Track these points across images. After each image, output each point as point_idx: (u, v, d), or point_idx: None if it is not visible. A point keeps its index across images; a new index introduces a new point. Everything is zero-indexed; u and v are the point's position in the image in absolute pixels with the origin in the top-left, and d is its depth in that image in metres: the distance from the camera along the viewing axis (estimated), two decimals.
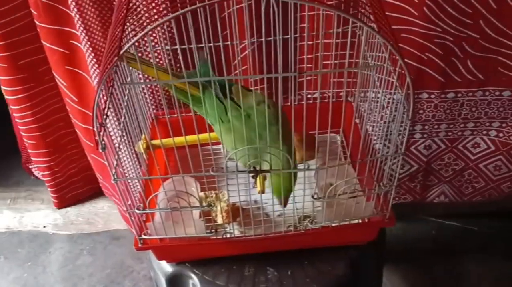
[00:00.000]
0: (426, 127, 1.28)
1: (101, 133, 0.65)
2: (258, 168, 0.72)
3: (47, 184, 1.60)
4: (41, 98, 1.39)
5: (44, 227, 1.62)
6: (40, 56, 1.28)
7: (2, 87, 1.36)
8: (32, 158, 1.56)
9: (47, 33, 1.18)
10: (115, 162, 0.71)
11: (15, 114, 1.42)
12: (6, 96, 1.38)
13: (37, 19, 1.16)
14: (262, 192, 0.85)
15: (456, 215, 1.53)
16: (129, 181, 0.72)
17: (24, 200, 1.70)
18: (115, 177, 0.70)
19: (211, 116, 0.79)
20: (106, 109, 0.68)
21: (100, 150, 0.64)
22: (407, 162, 1.36)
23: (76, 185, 1.64)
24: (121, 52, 0.54)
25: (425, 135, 1.30)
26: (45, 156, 1.51)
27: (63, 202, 1.64)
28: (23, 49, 1.28)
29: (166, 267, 0.90)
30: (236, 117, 0.75)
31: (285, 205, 0.79)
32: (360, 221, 0.82)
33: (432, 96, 1.22)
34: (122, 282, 1.46)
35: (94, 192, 1.67)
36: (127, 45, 0.53)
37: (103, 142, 0.64)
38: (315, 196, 0.76)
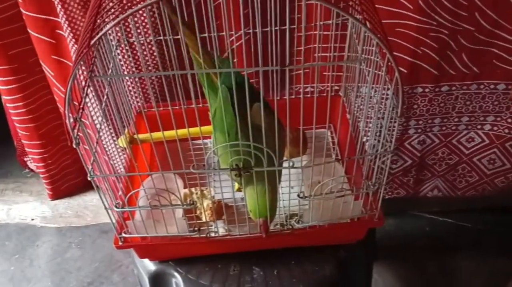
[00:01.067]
0: (420, 122, 1.26)
1: (76, 128, 0.62)
2: (240, 166, 0.69)
3: (41, 176, 1.57)
4: (33, 89, 1.37)
5: (32, 219, 1.60)
6: (29, 47, 1.26)
7: None
8: (27, 149, 1.53)
9: (33, 22, 1.16)
10: (92, 158, 0.68)
11: (8, 105, 1.40)
12: None
13: (22, 7, 1.13)
14: (240, 190, 0.82)
15: (450, 211, 1.52)
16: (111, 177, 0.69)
17: (12, 192, 1.67)
18: (92, 173, 0.67)
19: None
20: (82, 103, 0.65)
21: (74, 146, 0.62)
22: (401, 157, 1.34)
23: (70, 176, 1.62)
24: (92, 42, 0.51)
25: (419, 131, 1.28)
26: (38, 148, 1.49)
27: (57, 194, 1.62)
28: (12, 39, 1.26)
29: (149, 265, 0.88)
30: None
31: (265, 231, 0.73)
32: (348, 221, 0.79)
33: (426, 90, 1.20)
34: (110, 277, 1.44)
35: (89, 183, 1.64)
36: (97, 36, 0.50)
37: (77, 138, 0.61)
38: (301, 195, 0.73)
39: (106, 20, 0.54)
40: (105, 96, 0.76)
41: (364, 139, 0.82)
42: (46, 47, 1.18)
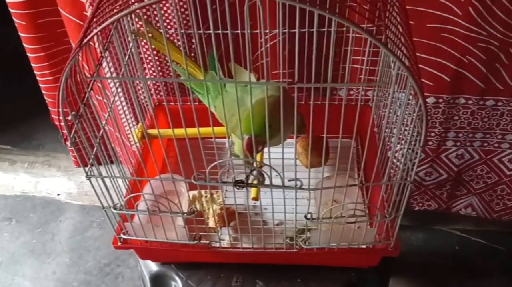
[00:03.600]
0: (460, 135, 1.17)
1: (74, 127, 0.59)
2: (247, 176, 0.64)
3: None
4: (60, 58, 1.36)
5: (58, 195, 1.61)
6: (58, 18, 1.24)
7: (24, 44, 1.33)
8: (53, 116, 1.53)
9: (64, 2, 1.14)
10: (91, 158, 0.65)
11: (36, 72, 1.39)
12: (28, 54, 1.35)
13: None
14: (256, 199, 0.78)
15: (484, 231, 1.42)
16: (106, 178, 0.66)
17: (41, 165, 1.69)
18: (89, 173, 0.64)
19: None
20: (85, 98, 0.62)
21: (70, 145, 0.58)
22: (435, 169, 1.26)
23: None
24: (83, 43, 0.47)
25: (458, 144, 1.20)
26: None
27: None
28: (41, 9, 1.24)
29: (151, 265, 0.86)
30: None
31: (249, 151, 0.65)
32: (360, 246, 0.73)
33: (470, 102, 1.11)
34: (127, 260, 1.44)
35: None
36: (90, 35, 0.46)
37: (74, 137, 0.58)
38: (309, 216, 0.68)
39: (106, 15, 0.50)
40: (115, 90, 0.72)
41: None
42: (75, 28, 1.16)
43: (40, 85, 1.42)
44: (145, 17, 0.95)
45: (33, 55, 1.33)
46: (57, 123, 1.65)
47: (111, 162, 0.68)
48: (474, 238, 1.43)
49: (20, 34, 1.28)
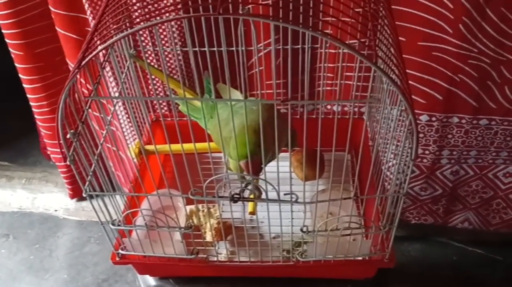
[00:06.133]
0: (454, 153, 1.18)
1: (73, 145, 0.60)
2: (241, 191, 0.65)
3: (62, 175, 1.56)
4: (58, 88, 1.36)
5: (56, 210, 1.61)
6: (56, 45, 1.25)
7: (20, 75, 1.33)
8: (48, 148, 1.54)
9: (62, 20, 1.14)
10: (89, 175, 0.66)
11: (32, 103, 1.39)
12: (24, 85, 1.36)
13: (52, 5, 1.13)
14: (253, 213, 0.78)
15: (481, 242, 1.43)
16: (105, 195, 0.67)
17: (38, 181, 1.69)
18: (88, 190, 0.65)
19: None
20: (83, 117, 0.63)
21: (68, 163, 0.59)
22: (431, 185, 1.27)
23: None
24: (82, 64, 0.48)
25: (453, 161, 1.20)
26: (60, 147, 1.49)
27: (78, 193, 1.62)
28: (39, 37, 1.25)
29: (149, 280, 0.86)
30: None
31: (255, 172, 0.67)
32: (356, 259, 0.74)
33: (463, 121, 1.11)
34: (125, 275, 1.44)
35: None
36: (89, 57, 0.47)
37: (72, 155, 0.59)
38: (304, 229, 0.69)
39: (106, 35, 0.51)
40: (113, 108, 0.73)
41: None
42: (74, 45, 1.17)
43: (36, 116, 1.41)
44: (143, 34, 0.97)
45: (29, 86, 1.32)
46: (48, 153, 1.65)
47: (110, 180, 0.69)
48: (472, 248, 1.43)
49: (17, 65, 1.28)
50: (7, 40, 1.22)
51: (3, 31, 1.21)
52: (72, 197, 1.62)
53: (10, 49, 1.24)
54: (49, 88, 1.34)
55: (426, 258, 1.42)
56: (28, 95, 1.36)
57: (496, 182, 1.22)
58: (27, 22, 1.21)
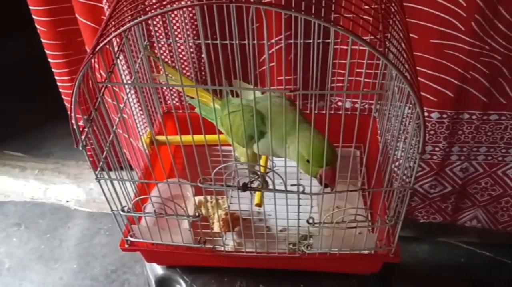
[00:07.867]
0: (464, 149, 1.18)
1: (85, 130, 0.61)
2: (251, 181, 0.66)
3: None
4: (78, 66, 1.38)
5: (67, 201, 1.63)
6: (77, 27, 1.27)
7: (46, 50, 1.36)
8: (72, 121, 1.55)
9: (81, 8, 1.17)
10: (101, 160, 0.67)
11: (56, 77, 1.42)
12: (49, 59, 1.38)
13: None
14: (259, 205, 0.79)
15: (489, 243, 1.42)
16: (115, 181, 0.68)
17: (51, 172, 1.72)
18: (99, 176, 0.66)
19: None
20: (96, 104, 0.64)
21: (80, 148, 0.61)
22: (440, 182, 1.27)
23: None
24: (96, 49, 0.49)
25: (462, 158, 1.21)
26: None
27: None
28: (61, 17, 1.28)
29: (157, 268, 0.87)
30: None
31: (331, 182, 0.67)
32: (362, 252, 0.74)
33: (473, 117, 1.12)
34: (133, 267, 1.46)
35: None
36: (103, 42, 0.49)
37: (84, 140, 0.60)
38: (310, 221, 0.70)
39: (121, 22, 0.52)
40: (126, 96, 0.75)
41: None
42: (92, 34, 1.19)
43: (60, 90, 1.44)
44: (157, 25, 0.98)
45: (54, 61, 1.36)
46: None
47: (121, 168, 0.71)
48: (480, 250, 1.43)
49: (42, 40, 1.32)
50: (33, 16, 1.25)
51: (30, 7, 1.24)
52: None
53: (36, 25, 1.27)
54: (71, 65, 1.36)
55: (434, 259, 1.42)
56: (53, 70, 1.39)
57: (505, 179, 1.22)
58: (52, 1, 1.24)
